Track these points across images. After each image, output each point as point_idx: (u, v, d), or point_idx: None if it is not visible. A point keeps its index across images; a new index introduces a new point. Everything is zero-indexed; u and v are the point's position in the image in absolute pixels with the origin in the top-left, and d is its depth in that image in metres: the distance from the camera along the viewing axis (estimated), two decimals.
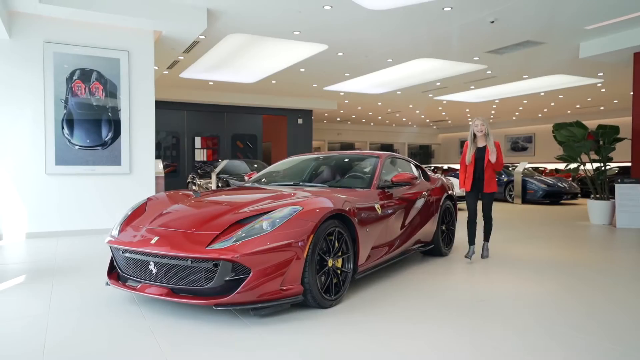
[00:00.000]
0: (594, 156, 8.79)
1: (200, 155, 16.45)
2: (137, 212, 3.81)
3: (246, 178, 5.28)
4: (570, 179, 14.99)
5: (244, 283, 2.98)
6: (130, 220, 3.70)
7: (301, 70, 11.95)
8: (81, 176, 7.16)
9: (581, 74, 12.18)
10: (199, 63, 11.44)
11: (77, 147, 7.14)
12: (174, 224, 3.40)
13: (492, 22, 7.75)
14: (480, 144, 5.14)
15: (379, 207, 4.10)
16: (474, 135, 5.15)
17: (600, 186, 8.67)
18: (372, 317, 3.24)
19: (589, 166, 8.87)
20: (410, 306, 3.50)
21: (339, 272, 3.52)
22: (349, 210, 3.63)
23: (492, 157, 4.98)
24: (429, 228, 5.09)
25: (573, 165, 8.95)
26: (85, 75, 7.17)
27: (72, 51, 7.07)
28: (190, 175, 13.39)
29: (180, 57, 10.52)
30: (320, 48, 9.78)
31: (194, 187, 12.74)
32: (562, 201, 13.52)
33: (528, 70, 11.94)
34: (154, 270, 3.22)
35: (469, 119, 24.13)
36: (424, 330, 3.01)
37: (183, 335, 2.91)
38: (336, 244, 3.49)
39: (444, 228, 5.45)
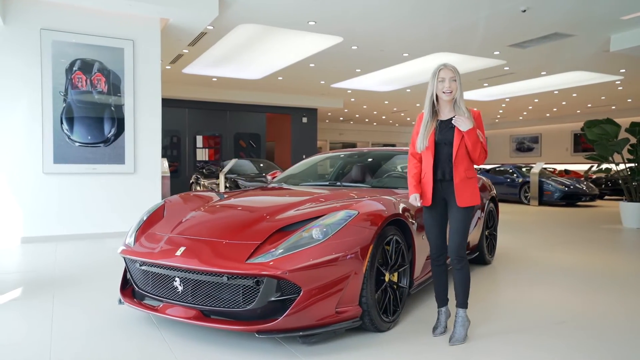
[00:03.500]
0: (627, 155, 8.29)
1: (202, 154, 15.86)
2: (154, 217, 3.25)
3: (269, 178, 4.73)
4: (583, 179, 14.52)
5: (293, 305, 2.43)
6: (146, 226, 3.14)
7: (311, 65, 11.40)
8: (82, 175, 6.58)
9: (603, 70, 11.69)
10: (203, 57, 10.86)
11: (77, 144, 6.56)
12: (203, 232, 2.85)
13: (524, 10, 7.23)
14: (445, 115, 2.79)
15: None
16: (436, 98, 2.78)
17: (634, 187, 8.16)
18: (439, 343, 2.69)
19: (613, 166, 8.37)
20: (473, 328, 2.95)
21: (395, 287, 2.98)
22: (406, 215, 3.09)
23: (465, 127, 2.64)
24: (475, 234, 4.55)
25: (605, 165, 8.43)
26: (86, 66, 6.59)
27: (72, 40, 6.49)
28: (193, 176, 12.82)
29: (184, 51, 9.95)
30: (335, 41, 9.24)
31: (198, 188, 12.17)
32: (579, 203, 13.03)
33: (548, 67, 11.45)
34: (180, 288, 2.67)
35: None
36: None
37: None
38: (393, 255, 2.95)
39: (487, 233, 4.91)
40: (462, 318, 2.74)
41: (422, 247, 3.30)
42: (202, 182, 11.67)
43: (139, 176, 6.89)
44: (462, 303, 2.76)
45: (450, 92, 2.69)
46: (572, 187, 12.54)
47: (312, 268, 2.47)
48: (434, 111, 2.79)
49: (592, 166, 17.53)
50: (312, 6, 7.26)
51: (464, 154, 2.72)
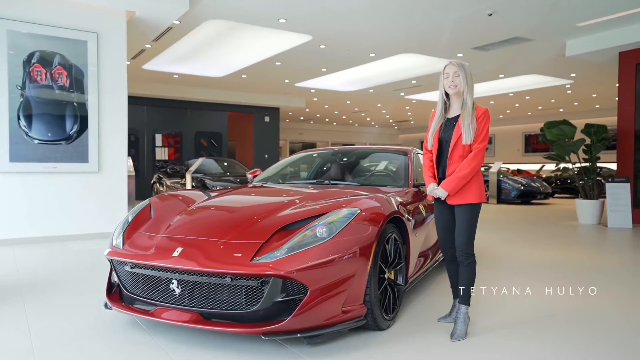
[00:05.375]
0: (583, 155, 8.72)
1: (162, 153, 15.36)
2: (141, 218, 3.08)
3: (249, 176, 4.61)
4: (536, 178, 15.21)
5: (300, 305, 2.37)
6: (134, 227, 2.98)
7: (277, 64, 11.29)
8: (41, 175, 6.19)
9: (555, 74, 12.26)
10: (166, 53, 10.51)
11: (36, 142, 6.17)
12: (199, 231, 2.73)
13: (490, 14, 7.47)
14: (454, 112, 2.82)
15: (423, 208, 3.59)
16: (446, 95, 2.84)
17: (589, 185, 8.61)
18: (442, 340, 2.71)
19: (571, 165, 8.81)
20: (471, 322, 3.00)
21: (392, 285, 2.97)
22: (401, 212, 3.10)
23: (467, 135, 2.69)
24: None
25: (563, 165, 8.84)
26: (46, 58, 6.21)
27: (30, 30, 6.11)
28: (155, 175, 12.36)
29: (147, 46, 9.59)
30: (304, 39, 9.18)
31: (161, 188, 11.76)
32: (533, 201, 13.64)
33: (506, 69, 11.88)
34: (177, 290, 2.54)
35: None
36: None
37: None
38: (392, 253, 2.94)
39: None
40: (463, 315, 2.77)
41: (416, 244, 3.33)
42: (165, 182, 11.28)
43: (104, 175, 6.56)
44: (465, 300, 2.80)
45: (455, 87, 2.74)
46: (527, 185, 13.09)
47: (318, 267, 2.42)
48: (445, 108, 2.85)
49: (543, 166, 18.51)
50: (285, 3, 7.18)
51: (460, 154, 2.76)
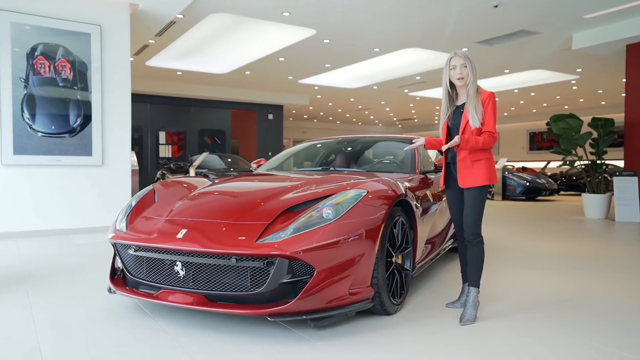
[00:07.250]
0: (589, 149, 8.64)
1: (165, 151, 15.36)
2: (144, 202, 3.05)
3: (254, 166, 4.56)
4: (541, 175, 15.09)
5: (307, 286, 2.32)
6: (137, 211, 2.94)
7: (280, 59, 11.25)
8: (45, 168, 6.18)
9: (561, 69, 12.17)
10: (169, 49, 10.50)
11: (39, 134, 6.16)
12: (204, 214, 2.68)
13: (496, 6, 7.40)
14: (460, 101, 2.86)
15: (431, 195, 3.54)
16: (450, 86, 2.86)
17: (596, 180, 8.52)
18: (450, 324, 2.66)
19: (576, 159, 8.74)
20: (480, 307, 2.94)
21: (400, 270, 2.92)
22: (410, 197, 3.05)
23: (474, 119, 2.69)
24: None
25: (569, 159, 8.76)
26: (49, 51, 6.20)
27: (33, 22, 6.09)
28: (159, 172, 12.37)
29: (150, 41, 9.57)
30: (308, 33, 9.14)
31: None
32: (539, 198, 13.55)
33: (511, 65, 11.80)
34: (182, 273, 2.50)
35: (436, 118, 24.22)
36: (523, 343, 2.46)
37: (229, 355, 2.22)
38: (399, 237, 2.89)
39: None
40: (473, 298, 2.73)
41: (423, 229, 3.27)
42: (168, 178, 11.27)
43: (107, 169, 6.54)
44: (475, 281, 2.76)
45: (462, 78, 2.77)
46: (533, 182, 13.00)
47: (325, 248, 2.37)
48: (451, 98, 2.89)
49: (547, 163, 18.42)
50: None
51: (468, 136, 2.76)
